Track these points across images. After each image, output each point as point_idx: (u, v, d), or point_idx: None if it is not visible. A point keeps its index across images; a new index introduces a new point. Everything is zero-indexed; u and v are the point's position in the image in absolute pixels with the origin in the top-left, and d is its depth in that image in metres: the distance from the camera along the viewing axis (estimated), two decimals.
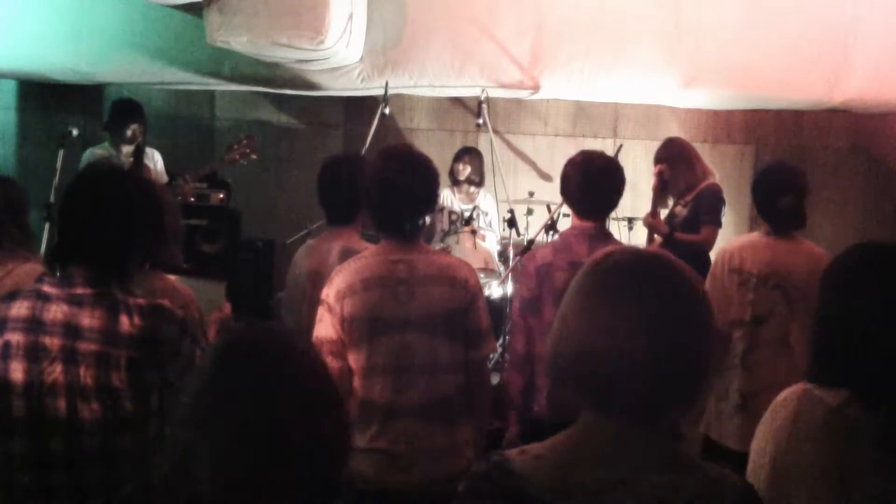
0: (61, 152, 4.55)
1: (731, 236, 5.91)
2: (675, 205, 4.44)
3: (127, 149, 5.12)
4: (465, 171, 5.66)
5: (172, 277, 2.53)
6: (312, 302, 2.83)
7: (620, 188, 2.95)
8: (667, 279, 1.21)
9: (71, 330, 1.79)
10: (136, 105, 5.24)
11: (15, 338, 1.80)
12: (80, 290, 1.82)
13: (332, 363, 2.44)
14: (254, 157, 5.01)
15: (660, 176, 4.27)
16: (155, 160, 5.25)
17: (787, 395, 1.66)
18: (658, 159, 4.40)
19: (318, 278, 2.82)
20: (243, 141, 4.98)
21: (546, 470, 1.17)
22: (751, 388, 3.06)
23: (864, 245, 1.68)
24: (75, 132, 4.72)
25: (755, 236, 3.22)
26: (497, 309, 4.87)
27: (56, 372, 1.77)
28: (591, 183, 2.87)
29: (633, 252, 1.27)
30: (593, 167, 2.89)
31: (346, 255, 2.73)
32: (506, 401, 3.14)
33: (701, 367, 1.21)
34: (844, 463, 1.51)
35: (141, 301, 1.86)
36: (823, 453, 1.53)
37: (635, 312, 1.17)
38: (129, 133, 5.06)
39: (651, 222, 4.24)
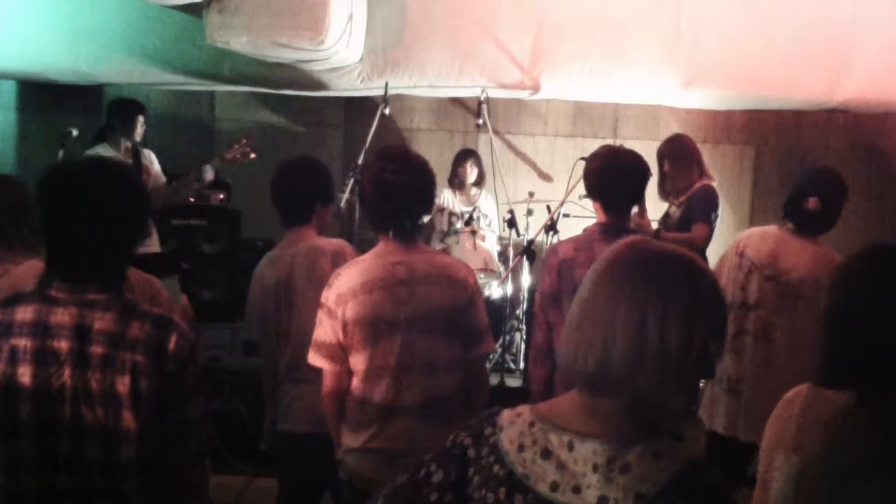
0: (61, 152, 4.55)
1: (731, 236, 5.93)
2: (670, 205, 4.43)
3: (126, 147, 5.12)
4: (471, 174, 5.69)
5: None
6: (288, 308, 2.81)
7: (645, 180, 2.98)
8: (683, 277, 1.20)
9: (80, 333, 1.77)
10: (138, 101, 5.26)
11: (22, 342, 1.77)
12: (91, 296, 1.79)
13: (330, 367, 2.44)
14: (252, 156, 5.02)
15: None
16: (151, 160, 5.25)
17: (795, 393, 1.66)
18: (661, 154, 4.38)
19: (289, 285, 2.80)
20: (242, 140, 4.99)
21: (519, 425, 1.24)
22: (738, 374, 3.12)
23: (874, 247, 1.68)
24: (75, 132, 4.73)
25: (772, 228, 3.25)
26: (497, 309, 4.87)
27: (64, 376, 1.75)
28: (617, 174, 2.90)
29: (650, 248, 1.24)
30: (617, 159, 2.93)
31: (313, 253, 2.74)
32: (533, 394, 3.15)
33: (705, 365, 1.21)
34: (849, 463, 1.51)
35: (156, 310, 1.85)
36: (830, 453, 1.53)
37: (647, 308, 1.16)
38: (138, 127, 5.07)
39: (638, 222, 4.23)
